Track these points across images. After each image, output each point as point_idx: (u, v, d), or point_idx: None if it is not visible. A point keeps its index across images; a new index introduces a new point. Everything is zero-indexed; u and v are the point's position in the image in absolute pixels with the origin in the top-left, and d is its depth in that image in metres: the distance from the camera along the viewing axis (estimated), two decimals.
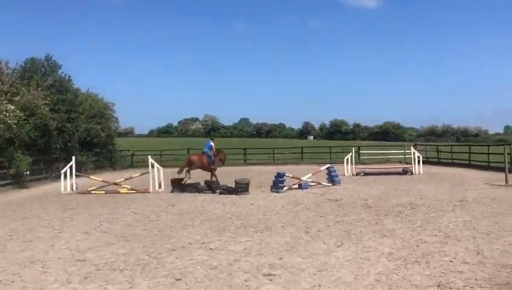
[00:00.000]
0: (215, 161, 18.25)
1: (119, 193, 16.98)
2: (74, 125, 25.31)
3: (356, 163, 25.18)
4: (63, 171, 17.87)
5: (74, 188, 17.57)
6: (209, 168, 18.10)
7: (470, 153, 27.43)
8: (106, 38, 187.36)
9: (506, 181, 16.80)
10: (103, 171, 28.06)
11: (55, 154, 23.59)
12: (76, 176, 18.13)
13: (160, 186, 17.34)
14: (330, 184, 17.90)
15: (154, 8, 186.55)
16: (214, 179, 17.75)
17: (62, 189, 17.36)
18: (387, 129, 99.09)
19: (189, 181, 17.32)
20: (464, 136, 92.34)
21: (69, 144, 24.85)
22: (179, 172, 17.80)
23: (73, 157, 18.54)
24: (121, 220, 11.07)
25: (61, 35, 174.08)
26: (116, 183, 18.15)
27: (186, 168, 17.76)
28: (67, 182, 17.50)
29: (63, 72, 26.80)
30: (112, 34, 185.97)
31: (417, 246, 7.87)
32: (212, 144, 18.42)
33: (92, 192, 17.12)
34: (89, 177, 19.65)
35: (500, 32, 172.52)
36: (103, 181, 18.46)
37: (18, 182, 19.67)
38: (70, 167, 17.79)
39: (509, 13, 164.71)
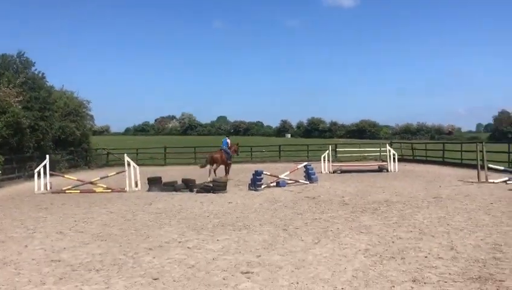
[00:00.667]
0: (231, 157, 19.96)
1: (94, 192, 16.72)
2: (48, 124, 24.77)
3: (333, 161, 25.44)
4: (36, 170, 17.46)
5: (48, 188, 17.19)
6: (227, 163, 19.75)
7: (443, 150, 27.99)
8: (81, 36, 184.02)
9: (479, 178, 17.17)
10: (78, 170, 27.63)
11: (28, 153, 23.07)
12: (51, 175, 17.75)
13: (136, 185, 17.15)
14: (308, 182, 18.02)
15: (130, 5, 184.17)
16: (227, 174, 19.41)
17: (36, 188, 16.96)
18: (363, 127, 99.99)
19: (165, 180, 17.26)
20: (438, 134, 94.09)
21: (43, 142, 24.34)
22: (202, 166, 19.93)
23: (47, 156, 18.14)
24: (97, 220, 10.90)
25: (34, 32, 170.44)
26: (91, 183, 17.88)
27: (213, 167, 18.99)
28: (41, 182, 17.11)
29: (36, 70, 26.29)
30: (86, 32, 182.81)
31: (393, 242, 7.99)
32: (228, 140, 20.39)
33: (67, 191, 16.80)
34: (63, 177, 19.29)
35: (472, 31, 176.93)
36: (78, 180, 18.14)
37: None
38: (44, 166, 17.40)
39: (481, 12, 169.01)
